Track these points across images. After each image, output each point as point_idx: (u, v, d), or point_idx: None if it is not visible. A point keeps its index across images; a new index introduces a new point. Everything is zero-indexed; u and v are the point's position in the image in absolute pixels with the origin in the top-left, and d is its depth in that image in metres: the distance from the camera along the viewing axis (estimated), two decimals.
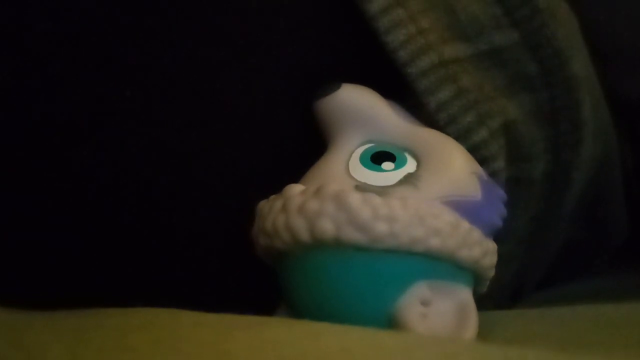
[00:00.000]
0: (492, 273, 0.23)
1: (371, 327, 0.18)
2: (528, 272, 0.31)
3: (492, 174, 0.25)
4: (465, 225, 0.21)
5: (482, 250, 0.22)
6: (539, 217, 0.29)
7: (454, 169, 0.22)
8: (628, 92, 0.32)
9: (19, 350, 0.16)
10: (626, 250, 0.34)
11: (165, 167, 0.24)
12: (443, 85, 0.25)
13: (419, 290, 0.21)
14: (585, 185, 0.30)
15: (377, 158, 0.23)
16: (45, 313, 0.18)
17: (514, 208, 0.27)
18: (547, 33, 0.27)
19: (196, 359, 0.16)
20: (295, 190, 0.22)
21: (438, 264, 0.21)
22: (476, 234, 0.22)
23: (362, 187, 0.21)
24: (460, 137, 0.25)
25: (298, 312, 0.22)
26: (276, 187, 0.23)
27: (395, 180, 0.22)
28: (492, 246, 0.23)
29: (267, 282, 0.23)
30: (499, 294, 0.30)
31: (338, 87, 0.24)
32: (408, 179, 0.22)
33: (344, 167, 0.23)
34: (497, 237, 0.23)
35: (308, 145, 0.24)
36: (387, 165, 0.22)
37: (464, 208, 0.22)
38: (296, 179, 0.23)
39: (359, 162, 0.23)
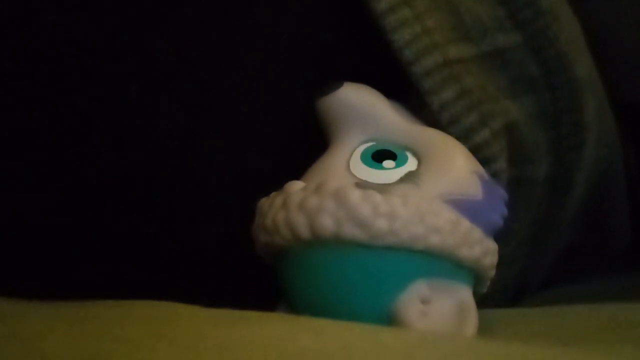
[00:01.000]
0: (492, 273, 0.23)
1: (371, 324, 0.18)
2: (530, 274, 0.31)
3: (494, 175, 0.25)
4: (465, 224, 0.21)
5: (482, 249, 0.22)
6: (541, 219, 0.29)
7: (455, 167, 0.22)
8: (632, 95, 0.32)
9: (18, 339, 0.16)
10: (629, 252, 0.34)
11: (167, 164, 0.24)
12: (447, 85, 0.25)
13: (419, 288, 0.21)
14: (588, 188, 0.30)
15: (378, 156, 0.23)
16: (43, 303, 0.18)
17: (516, 210, 0.26)
18: (550, 35, 0.27)
19: (195, 352, 0.16)
20: (295, 187, 0.22)
21: (438, 262, 0.21)
22: (477, 233, 0.22)
23: (362, 184, 0.21)
24: (462, 137, 0.24)
25: (298, 309, 0.22)
26: (277, 184, 0.23)
27: (396, 178, 0.22)
28: (492, 246, 0.22)
29: (266, 281, 0.23)
30: (501, 296, 0.30)
31: (340, 85, 0.24)
32: (409, 177, 0.22)
33: (345, 165, 0.23)
34: (499, 238, 0.23)
35: (309, 143, 0.24)
36: (388, 163, 0.22)
37: (464, 207, 0.21)
38: (297, 177, 0.23)
39: (359, 160, 0.23)
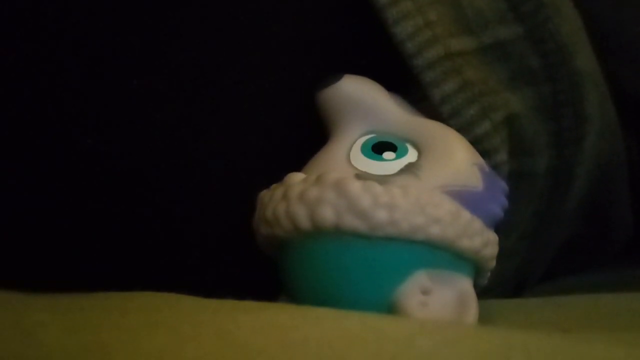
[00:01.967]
0: (492, 264, 0.23)
1: (372, 313, 0.18)
2: (530, 266, 0.31)
3: (494, 167, 0.25)
4: (466, 215, 0.21)
5: (482, 240, 0.22)
6: (542, 212, 0.29)
7: (455, 159, 0.22)
8: (634, 88, 0.32)
9: (18, 329, 0.16)
10: (630, 246, 0.34)
11: (168, 157, 0.24)
12: (448, 78, 0.25)
13: (419, 278, 0.21)
14: (590, 181, 0.30)
15: (378, 148, 0.23)
16: (45, 294, 0.18)
17: (517, 203, 0.26)
18: (550, 28, 0.27)
19: (195, 340, 0.16)
20: (296, 178, 0.22)
21: (438, 253, 0.21)
22: (477, 224, 0.22)
23: (362, 176, 0.21)
24: (463, 130, 0.24)
25: (298, 301, 0.22)
26: (278, 177, 0.23)
27: (396, 170, 0.22)
28: (493, 237, 0.22)
29: (267, 274, 0.23)
30: (501, 289, 0.30)
31: (340, 78, 0.24)
32: (409, 168, 0.22)
33: (345, 156, 0.23)
34: (500, 231, 0.23)
35: (310, 135, 0.24)
36: (388, 154, 0.22)
37: (465, 198, 0.22)
38: (298, 169, 0.23)
39: (360, 151, 0.23)
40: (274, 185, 0.22)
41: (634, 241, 0.34)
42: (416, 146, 0.23)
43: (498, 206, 0.22)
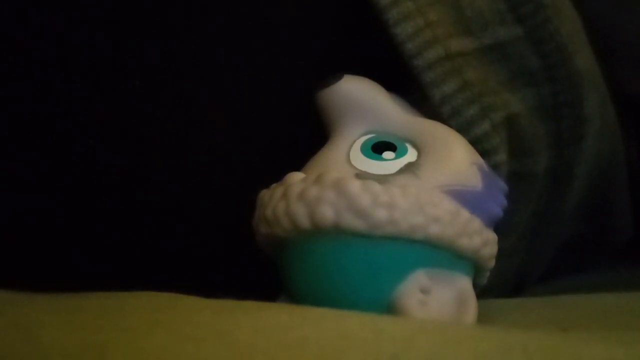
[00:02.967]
0: (492, 264, 0.23)
1: (371, 313, 0.18)
2: (530, 267, 0.31)
3: (494, 167, 0.25)
4: (465, 214, 0.21)
5: (482, 239, 0.22)
6: (541, 212, 0.29)
7: (454, 159, 0.22)
8: (634, 88, 0.32)
9: (17, 329, 0.16)
10: (630, 246, 0.34)
11: (169, 158, 0.24)
12: (448, 78, 0.25)
13: (419, 278, 0.21)
14: (589, 181, 0.30)
15: (378, 147, 0.23)
16: (45, 294, 0.18)
17: (517, 202, 0.26)
18: (550, 28, 0.27)
19: (194, 340, 0.16)
20: (296, 178, 0.22)
21: (438, 252, 0.21)
22: (476, 223, 0.22)
23: (362, 175, 0.21)
24: (463, 130, 0.25)
25: (298, 300, 0.22)
26: (278, 177, 0.23)
27: (396, 169, 0.22)
28: (492, 236, 0.22)
29: (266, 274, 0.23)
30: (501, 289, 0.30)
31: (340, 78, 0.24)
32: (409, 168, 0.22)
33: (345, 156, 0.23)
34: (499, 231, 0.23)
35: (309, 135, 0.24)
36: (387, 154, 0.22)
37: (464, 197, 0.22)
38: (298, 169, 0.23)
39: (359, 151, 0.23)
40: (273, 185, 0.22)
41: (634, 241, 0.34)
42: (416, 146, 0.23)
43: (497, 206, 0.23)
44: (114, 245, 0.24)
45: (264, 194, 0.22)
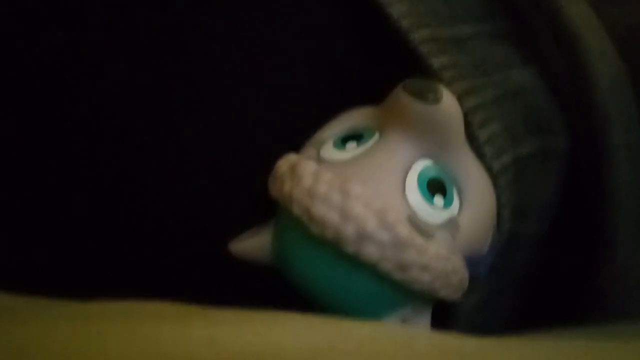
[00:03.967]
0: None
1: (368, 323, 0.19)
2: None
3: (489, 139, 0.25)
4: (466, 276, 0.23)
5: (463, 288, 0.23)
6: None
7: (485, 227, 0.23)
8: None
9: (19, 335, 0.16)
10: None
11: (170, 158, 0.24)
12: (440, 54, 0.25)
13: (404, 311, 0.22)
14: None
15: (431, 186, 0.22)
16: (45, 300, 0.18)
17: (543, 182, 0.27)
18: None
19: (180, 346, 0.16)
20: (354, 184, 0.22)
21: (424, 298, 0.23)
22: (467, 279, 0.23)
23: (413, 221, 0.21)
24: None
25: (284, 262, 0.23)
26: None
27: (440, 221, 0.22)
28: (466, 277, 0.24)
29: (267, 274, 0.23)
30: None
31: (437, 92, 0.21)
32: (450, 225, 0.22)
33: (401, 182, 0.22)
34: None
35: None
36: (438, 200, 0.22)
37: (472, 261, 0.23)
38: None
39: (416, 184, 0.22)
40: (318, 168, 0.22)
41: None
42: (459, 192, 0.23)
43: (485, 268, 0.24)
44: (114, 245, 0.24)
45: (306, 165, 0.22)
